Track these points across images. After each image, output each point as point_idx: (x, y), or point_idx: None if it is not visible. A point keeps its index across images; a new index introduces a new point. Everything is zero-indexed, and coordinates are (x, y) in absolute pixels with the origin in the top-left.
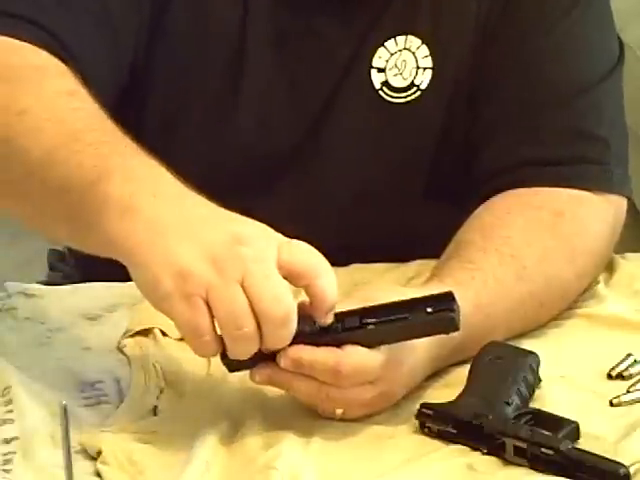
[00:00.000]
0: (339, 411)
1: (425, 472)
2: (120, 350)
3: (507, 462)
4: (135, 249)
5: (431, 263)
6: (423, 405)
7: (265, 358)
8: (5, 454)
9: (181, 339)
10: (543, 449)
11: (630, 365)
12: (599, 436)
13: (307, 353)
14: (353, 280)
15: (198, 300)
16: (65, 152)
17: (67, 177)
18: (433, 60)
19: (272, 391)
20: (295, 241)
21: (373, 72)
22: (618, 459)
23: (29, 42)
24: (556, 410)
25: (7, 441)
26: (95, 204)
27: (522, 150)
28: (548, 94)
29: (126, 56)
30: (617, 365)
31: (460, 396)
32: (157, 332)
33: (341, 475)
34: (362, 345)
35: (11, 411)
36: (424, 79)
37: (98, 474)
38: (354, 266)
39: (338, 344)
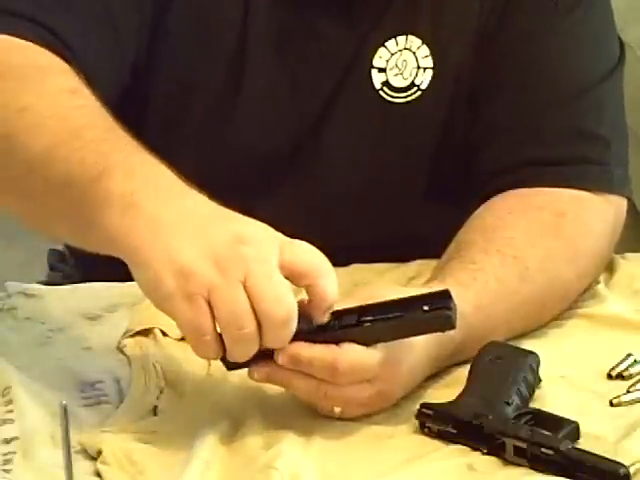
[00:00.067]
0: (337, 409)
1: (425, 472)
2: (120, 350)
3: (507, 462)
4: (136, 247)
5: (431, 263)
6: (423, 405)
7: (263, 356)
8: (5, 454)
9: (181, 339)
10: (543, 449)
11: (630, 365)
12: (599, 436)
13: (305, 350)
14: (353, 280)
15: (200, 300)
16: (66, 149)
17: (68, 174)
18: (433, 60)
19: (272, 390)
20: (297, 241)
21: (373, 72)
22: (618, 459)
23: (31, 41)
24: (556, 410)
25: (7, 441)
26: (96, 201)
27: (523, 150)
28: (549, 94)
29: (128, 55)
30: (617, 365)
31: (460, 396)
32: (157, 332)
33: (341, 475)
34: (359, 343)
35: (11, 411)
36: (424, 79)
37: (98, 474)
38: (354, 266)
39: (335, 342)
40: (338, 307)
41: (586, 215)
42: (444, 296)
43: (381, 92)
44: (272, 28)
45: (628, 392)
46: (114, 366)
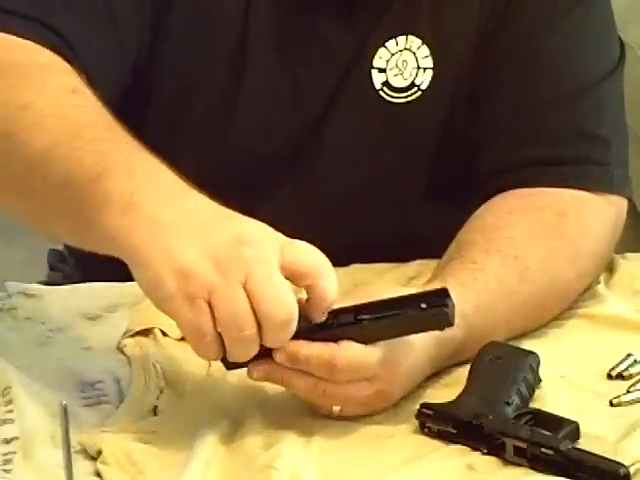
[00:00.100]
0: (336, 408)
1: (425, 472)
2: (120, 350)
3: (507, 462)
4: (136, 247)
5: (431, 263)
6: (423, 405)
7: (262, 354)
8: (5, 454)
9: (181, 339)
10: (543, 449)
11: (630, 365)
12: (599, 436)
13: (303, 348)
14: (353, 280)
15: (200, 301)
16: (66, 148)
17: (68, 173)
18: (434, 60)
19: (272, 390)
20: (298, 241)
21: (374, 72)
22: (618, 459)
23: (33, 40)
24: (556, 410)
25: (7, 441)
26: (96, 201)
27: (524, 150)
28: (550, 94)
29: (129, 55)
30: (617, 365)
31: (460, 396)
32: (157, 332)
33: (341, 475)
34: (357, 341)
35: (11, 411)
36: (424, 79)
37: (98, 474)
38: (354, 266)
39: (334, 340)
40: (336, 306)
41: (587, 215)
42: (442, 294)
43: (381, 92)
44: (273, 28)
45: (628, 392)
46: (114, 366)
